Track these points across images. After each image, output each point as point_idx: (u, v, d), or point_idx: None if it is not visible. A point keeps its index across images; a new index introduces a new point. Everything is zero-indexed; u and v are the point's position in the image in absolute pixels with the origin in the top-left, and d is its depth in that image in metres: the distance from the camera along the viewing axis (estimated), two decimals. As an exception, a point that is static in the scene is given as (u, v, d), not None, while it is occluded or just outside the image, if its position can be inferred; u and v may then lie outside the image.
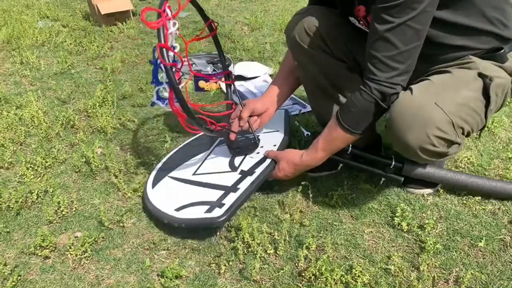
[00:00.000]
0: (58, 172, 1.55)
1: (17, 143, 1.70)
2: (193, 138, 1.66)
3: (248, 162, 1.38)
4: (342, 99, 1.37)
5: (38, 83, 2.25)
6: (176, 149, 1.60)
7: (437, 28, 1.06)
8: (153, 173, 1.46)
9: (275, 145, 1.42)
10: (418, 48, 1.03)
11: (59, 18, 3.28)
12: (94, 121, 1.82)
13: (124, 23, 3.11)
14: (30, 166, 1.54)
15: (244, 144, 1.42)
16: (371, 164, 1.34)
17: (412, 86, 1.08)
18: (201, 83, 2.12)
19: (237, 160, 1.41)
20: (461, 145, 1.12)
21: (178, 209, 1.24)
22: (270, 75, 2.28)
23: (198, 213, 1.21)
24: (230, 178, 1.32)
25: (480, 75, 1.08)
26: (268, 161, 1.34)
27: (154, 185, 1.39)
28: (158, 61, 1.14)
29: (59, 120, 1.82)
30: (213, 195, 1.26)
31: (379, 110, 1.10)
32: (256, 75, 2.26)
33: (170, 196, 1.32)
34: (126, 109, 1.98)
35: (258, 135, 1.46)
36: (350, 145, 1.27)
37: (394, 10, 0.97)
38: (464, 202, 1.33)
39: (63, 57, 2.50)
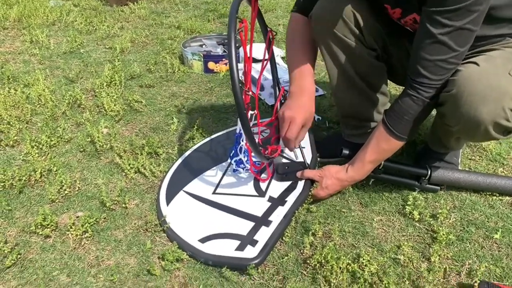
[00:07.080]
0: (62, 151, 1.52)
1: (23, 121, 1.68)
2: (205, 141, 1.53)
3: (275, 185, 1.27)
4: (366, 89, 1.30)
5: (46, 62, 2.23)
6: (188, 153, 1.47)
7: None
8: (165, 182, 1.33)
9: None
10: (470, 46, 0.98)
11: (70, -3, 3.25)
12: (101, 101, 1.79)
13: (135, 3, 3.07)
14: (35, 145, 1.52)
15: (291, 169, 1.29)
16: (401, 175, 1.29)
17: (474, 59, 1.01)
18: (210, 64, 2.07)
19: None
20: None
21: (202, 240, 1.11)
22: (282, 58, 2.22)
23: (227, 249, 1.08)
24: (258, 206, 1.20)
25: None
26: (300, 187, 1.24)
27: (168, 200, 1.25)
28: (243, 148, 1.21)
29: (65, 99, 1.80)
30: (242, 226, 1.14)
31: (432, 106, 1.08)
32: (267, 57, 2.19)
33: (191, 220, 1.19)
34: (133, 89, 1.94)
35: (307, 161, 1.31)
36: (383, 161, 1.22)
37: (452, 14, 0.90)
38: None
39: (73, 36, 2.47)
